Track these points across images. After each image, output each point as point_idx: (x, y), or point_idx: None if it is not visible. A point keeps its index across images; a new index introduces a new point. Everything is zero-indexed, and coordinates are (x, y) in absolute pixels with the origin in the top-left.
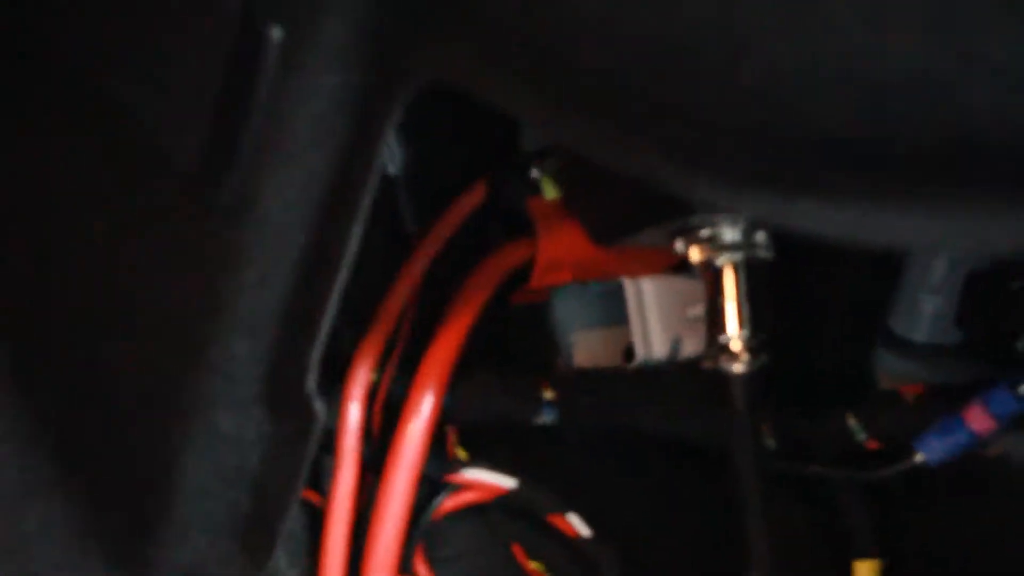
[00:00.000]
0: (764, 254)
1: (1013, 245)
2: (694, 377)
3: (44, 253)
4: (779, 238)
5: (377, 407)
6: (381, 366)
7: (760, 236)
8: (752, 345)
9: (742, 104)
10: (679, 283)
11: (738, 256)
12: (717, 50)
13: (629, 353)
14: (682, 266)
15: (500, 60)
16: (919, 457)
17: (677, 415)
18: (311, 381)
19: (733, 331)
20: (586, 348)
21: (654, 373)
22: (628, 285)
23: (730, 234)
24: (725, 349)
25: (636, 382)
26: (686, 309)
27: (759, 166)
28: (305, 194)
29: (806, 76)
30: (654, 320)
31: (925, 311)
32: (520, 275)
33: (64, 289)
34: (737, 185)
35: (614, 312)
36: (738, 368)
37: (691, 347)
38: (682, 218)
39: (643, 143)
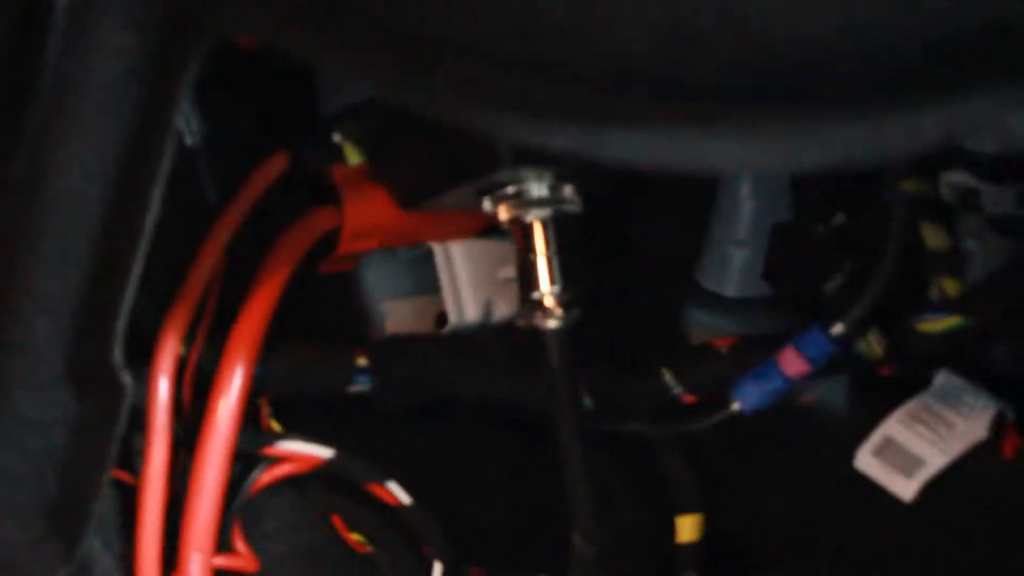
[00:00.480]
0: (572, 208)
1: (815, 161)
2: (508, 340)
3: None
4: (589, 194)
5: (187, 382)
6: (189, 340)
7: (567, 191)
8: (565, 300)
9: (543, 37)
10: (489, 245)
11: (546, 212)
12: None
13: (441, 319)
14: (492, 231)
15: (294, 9)
16: (735, 406)
17: (493, 379)
18: (116, 354)
19: (545, 287)
20: (398, 317)
21: (468, 338)
22: (437, 250)
23: (537, 190)
24: (538, 306)
25: (450, 347)
26: (497, 271)
27: (564, 100)
28: (101, 164)
29: (605, 6)
30: (465, 284)
31: (733, 264)
32: (327, 243)
33: None
34: (543, 121)
35: (425, 280)
36: (552, 324)
37: (504, 309)
38: (487, 176)
39: (445, 84)
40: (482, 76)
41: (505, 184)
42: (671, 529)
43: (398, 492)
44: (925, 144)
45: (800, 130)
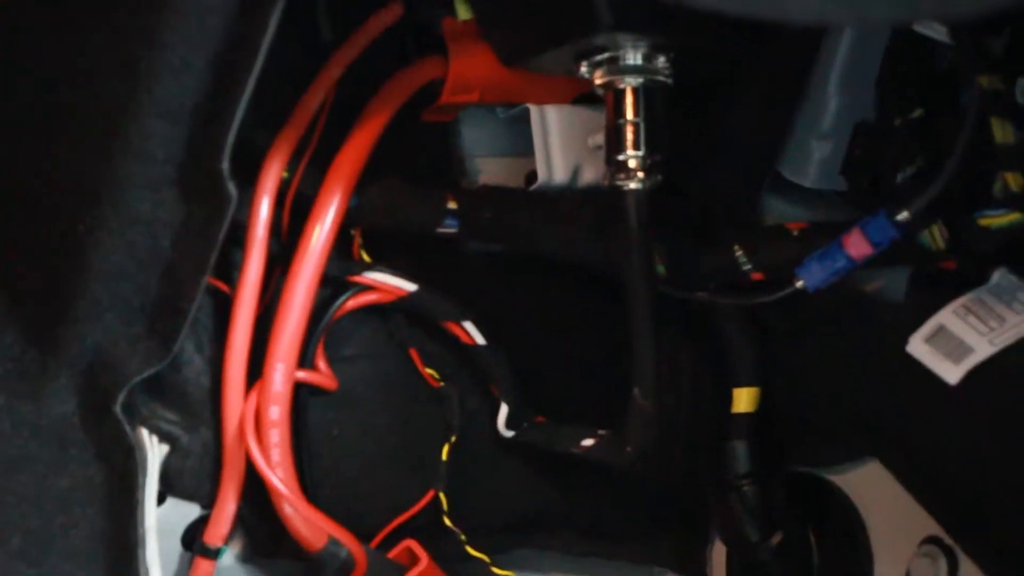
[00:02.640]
0: (664, 79)
1: (883, 16)
2: (592, 202)
3: None
4: (682, 74)
5: (287, 204)
6: (293, 165)
7: (660, 61)
8: (648, 164)
9: None
10: (583, 113)
11: (639, 79)
12: None
13: (531, 177)
14: (587, 99)
15: None
16: (799, 283)
17: (573, 236)
18: (224, 163)
19: (630, 150)
20: (490, 174)
21: (554, 196)
22: (534, 111)
23: (632, 57)
24: (622, 166)
25: (536, 202)
26: (588, 138)
27: None
28: None
29: None
30: (556, 146)
31: (814, 157)
32: (431, 92)
33: None
34: None
35: (519, 142)
36: (634, 184)
37: (591, 175)
38: (585, 38)
39: None
40: None
41: (602, 50)
42: (728, 398)
43: (474, 332)
44: (992, 5)
45: None
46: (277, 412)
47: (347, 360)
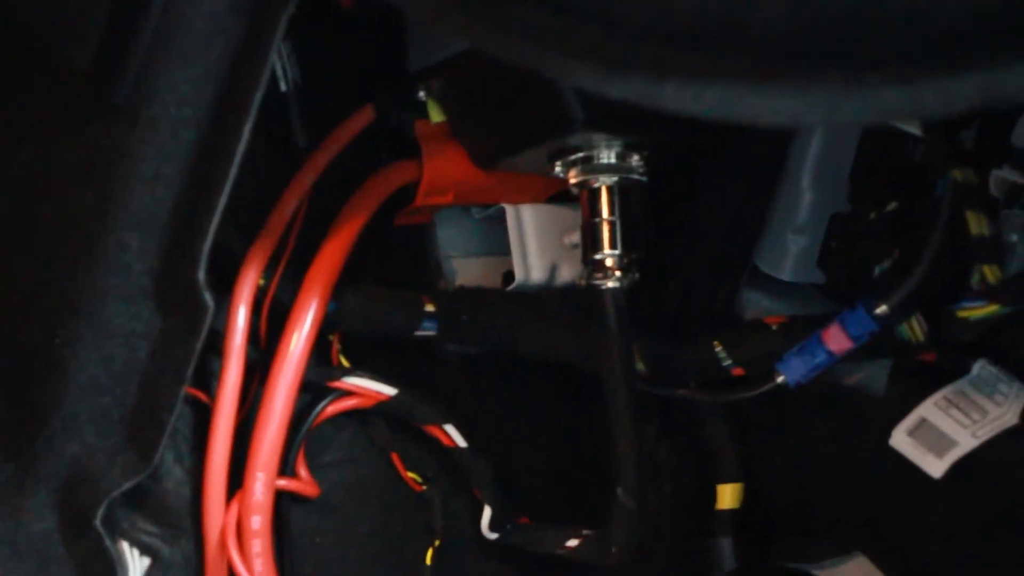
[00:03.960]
0: (638, 177)
1: (853, 118)
2: (570, 300)
3: None
4: (655, 171)
5: (264, 312)
6: (269, 272)
7: (635, 159)
8: (624, 263)
9: None
10: (558, 211)
11: (613, 178)
12: None
13: (508, 277)
14: (562, 198)
15: None
16: (780, 378)
17: (552, 336)
18: (201, 273)
19: (607, 249)
20: (467, 274)
21: (531, 295)
22: (509, 211)
23: (606, 156)
24: (599, 266)
25: (514, 302)
26: (564, 237)
27: (629, 51)
28: (198, 92)
29: None
30: (533, 245)
31: (791, 250)
32: (404, 196)
33: None
34: (609, 69)
35: (495, 241)
36: (611, 284)
37: (568, 274)
38: (559, 138)
39: (520, 30)
40: (556, 25)
41: (576, 149)
42: (712, 495)
43: (455, 435)
44: (962, 107)
45: (840, 89)
46: (259, 522)
47: (328, 466)
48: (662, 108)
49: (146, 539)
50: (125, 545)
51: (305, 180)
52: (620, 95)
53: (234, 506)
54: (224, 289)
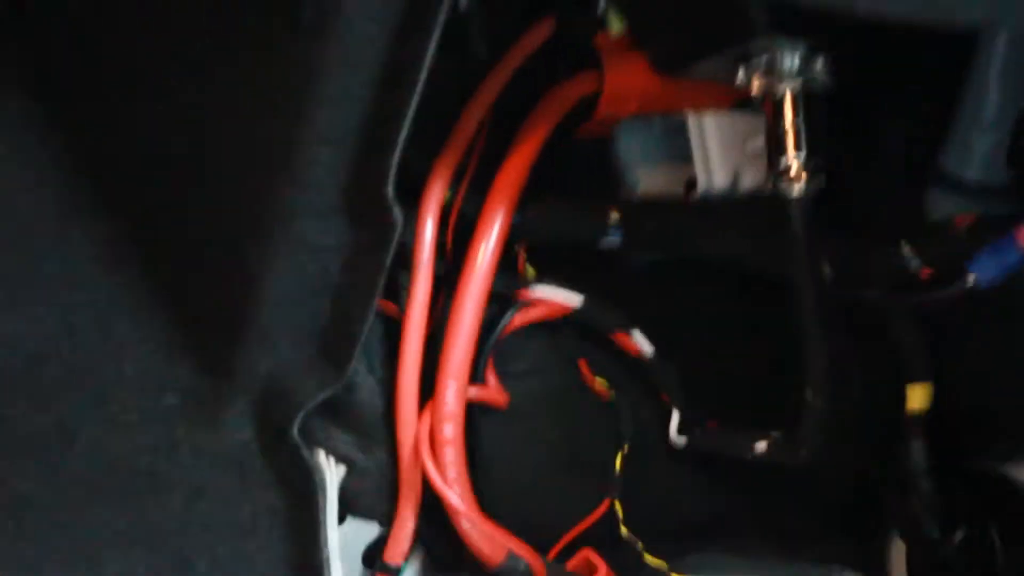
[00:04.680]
0: (821, 81)
1: None
2: (755, 207)
3: (133, 93)
4: (839, 70)
5: (450, 225)
6: (455, 186)
7: (818, 64)
8: (809, 168)
9: None
10: (740, 118)
11: (797, 83)
12: None
13: (691, 185)
14: (744, 104)
15: None
16: (971, 279)
17: (736, 242)
18: (389, 188)
19: (791, 155)
20: (649, 183)
21: (714, 203)
22: (691, 119)
23: (789, 61)
24: (784, 172)
25: (698, 210)
26: (747, 143)
27: None
28: (384, 10)
29: None
30: (715, 152)
31: (978, 149)
32: (587, 107)
33: (153, 121)
34: None
35: (677, 149)
36: (797, 190)
37: (751, 180)
38: (741, 43)
39: None
40: None
41: (758, 54)
42: (901, 396)
43: (642, 342)
44: None
45: None
46: (451, 430)
47: (516, 376)
48: (850, 12)
49: (342, 448)
50: (322, 454)
51: (487, 94)
52: (811, 3)
53: (426, 415)
54: (410, 204)
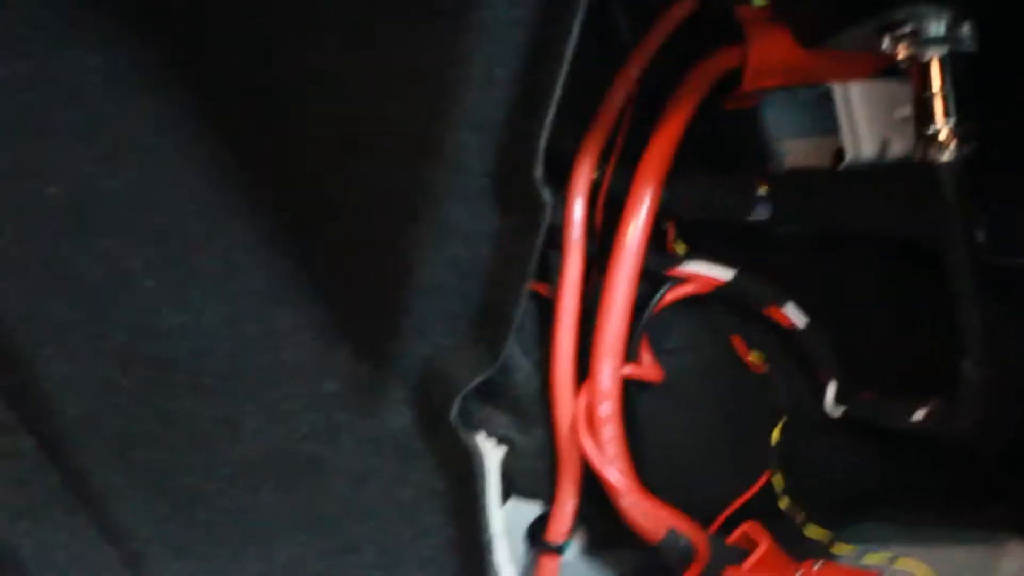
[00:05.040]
0: (968, 47)
1: None
2: (904, 175)
3: (275, 79)
4: (986, 34)
5: (599, 204)
6: (602, 166)
7: (964, 29)
8: (959, 134)
9: None
10: (887, 87)
11: (943, 49)
12: None
13: (839, 155)
14: (889, 72)
15: None
16: None
17: (886, 211)
18: (538, 171)
19: (940, 121)
20: (796, 155)
21: (863, 172)
22: (837, 90)
23: (935, 28)
24: (933, 139)
25: (846, 180)
26: (894, 111)
27: None
28: None
29: None
30: (862, 122)
31: None
32: (732, 81)
33: (298, 107)
34: None
35: (823, 121)
36: (946, 156)
37: (900, 148)
38: (886, 12)
39: None
40: None
41: (903, 23)
42: None
43: (794, 314)
44: None
45: None
46: (608, 408)
47: (670, 352)
48: None
49: (500, 430)
50: (481, 436)
51: (632, 72)
52: None
53: (582, 394)
54: (559, 185)
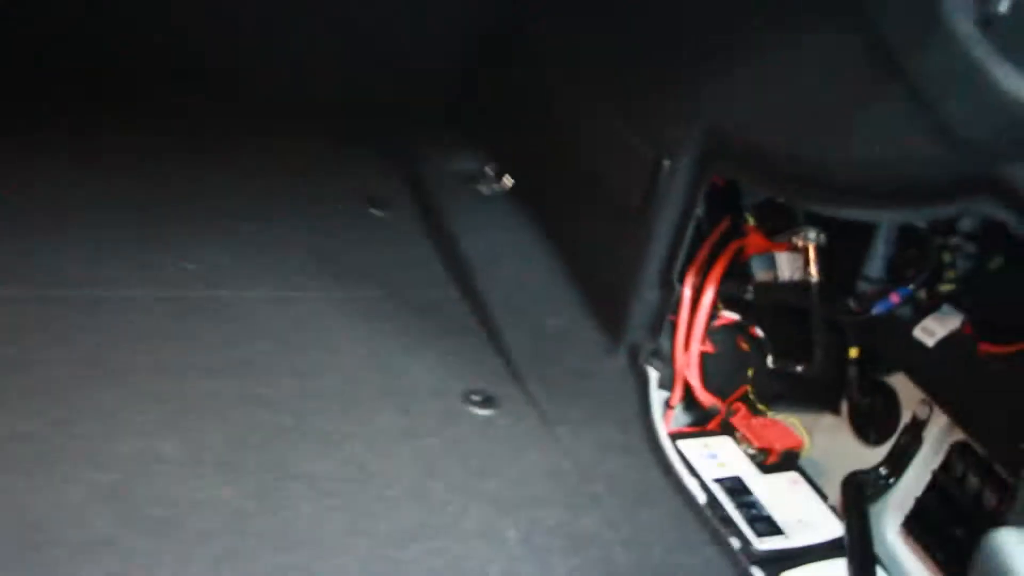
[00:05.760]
0: (822, 242)
1: None
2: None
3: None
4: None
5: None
6: (701, 273)
7: (820, 235)
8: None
9: None
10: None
11: (814, 241)
12: None
13: (766, 281)
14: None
15: None
16: None
17: (790, 296)
18: (675, 270)
19: (814, 272)
20: (763, 273)
21: (787, 284)
22: (779, 255)
23: (813, 235)
24: (809, 274)
25: (778, 288)
26: (794, 263)
27: None
28: None
29: None
30: (783, 264)
31: None
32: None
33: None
34: None
35: (770, 262)
36: (814, 281)
37: (788, 273)
38: (799, 230)
39: None
40: None
41: (801, 233)
42: None
43: (759, 331)
44: None
45: None
46: (694, 358)
47: (715, 334)
48: None
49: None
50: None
51: (710, 242)
52: None
53: (688, 352)
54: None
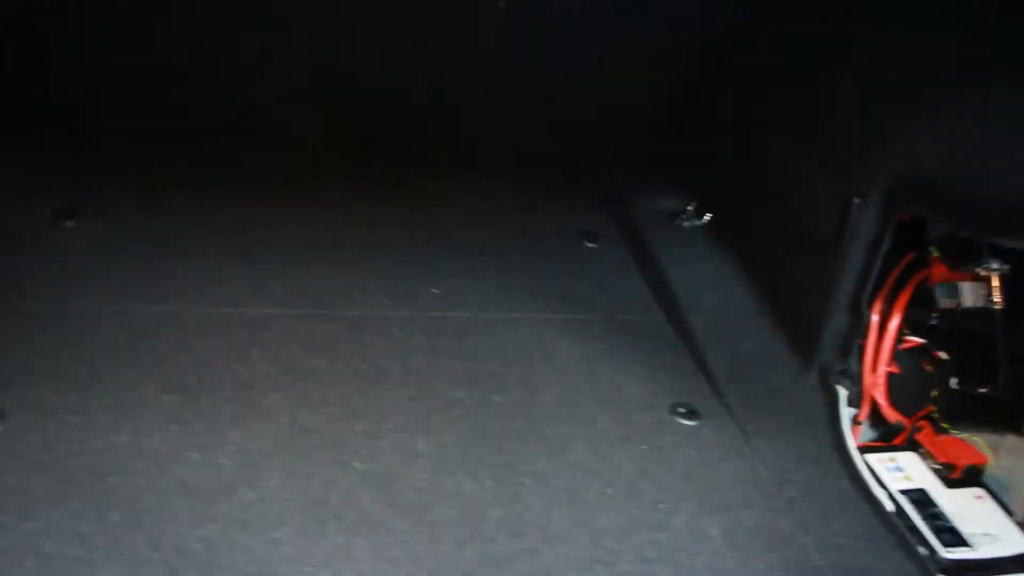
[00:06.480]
0: (1006, 270)
1: None
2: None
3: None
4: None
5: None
6: (887, 300)
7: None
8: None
9: None
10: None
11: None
12: None
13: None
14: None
15: None
16: None
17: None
18: (865, 297)
19: (997, 297)
20: (947, 301)
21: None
22: (963, 285)
23: (997, 264)
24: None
25: (973, 314)
26: (977, 289)
27: None
28: None
29: None
30: (967, 292)
31: None
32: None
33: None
34: None
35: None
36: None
37: (971, 298)
38: (983, 261)
39: None
40: None
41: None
42: None
43: (941, 353)
44: None
45: None
46: (882, 379)
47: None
48: None
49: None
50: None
51: (895, 273)
52: None
53: (877, 370)
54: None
